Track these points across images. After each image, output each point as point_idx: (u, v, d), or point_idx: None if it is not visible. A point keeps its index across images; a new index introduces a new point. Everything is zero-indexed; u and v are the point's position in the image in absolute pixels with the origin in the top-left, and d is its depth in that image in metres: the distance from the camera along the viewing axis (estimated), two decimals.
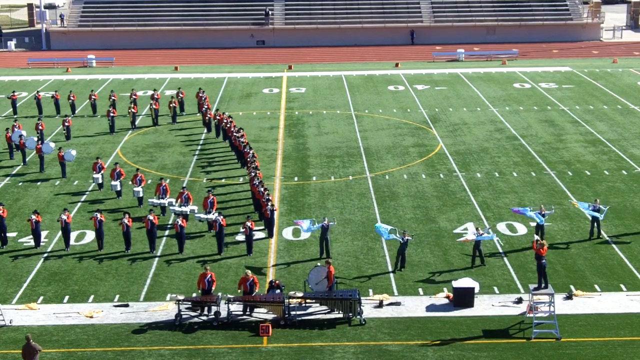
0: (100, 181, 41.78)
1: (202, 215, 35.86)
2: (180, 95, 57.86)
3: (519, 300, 29.42)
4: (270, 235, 35.58)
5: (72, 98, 57.65)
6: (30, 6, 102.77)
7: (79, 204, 40.10)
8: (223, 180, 43.33)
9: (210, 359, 26.06)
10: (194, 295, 29.84)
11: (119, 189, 40.49)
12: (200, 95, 56.38)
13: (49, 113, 57.63)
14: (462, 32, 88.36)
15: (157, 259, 33.64)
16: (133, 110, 54.30)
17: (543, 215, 34.34)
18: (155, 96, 56.56)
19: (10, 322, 28.28)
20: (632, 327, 27.74)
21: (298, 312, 28.73)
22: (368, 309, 28.92)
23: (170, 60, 79.82)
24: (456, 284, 29.34)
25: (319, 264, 31.72)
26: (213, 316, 28.39)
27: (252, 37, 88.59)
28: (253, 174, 38.73)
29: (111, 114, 52.95)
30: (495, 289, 30.56)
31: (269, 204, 35.35)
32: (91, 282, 31.55)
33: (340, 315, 28.43)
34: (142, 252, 34.25)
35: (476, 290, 29.46)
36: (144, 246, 34.62)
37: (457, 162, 46.01)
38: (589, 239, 34.95)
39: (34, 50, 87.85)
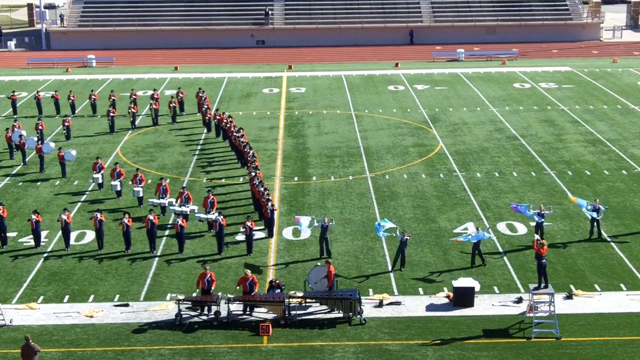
0: (100, 181, 41.79)
1: (202, 215, 35.87)
2: (180, 95, 57.86)
3: (519, 300, 29.43)
4: (270, 235, 35.59)
5: (72, 98, 57.65)
6: (30, 6, 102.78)
7: (79, 204, 40.11)
8: (223, 180, 43.33)
9: (211, 359, 26.07)
10: (194, 295, 29.85)
11: (119, 188, 40.49)
12: (200, 95, 56.39)
13: (49, 113, 57.64)
14: (462, 32, 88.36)
15: (157, 258, 33.64)
16: (133, 110, 54.31)
17: (542, 215, 34.36)
18: (155, 96, 56.56)
19: (10, 322, 28.29)
20: (632, 326, 27.75)
21: (298, 312, 28.73)
22: (368, 309, 28.93)
23: (170, 60, 79.83)
24: (456, 283, 29.34)
25: (319, 263, 31.73)
26: (213, 316, 28.40)
27: (252, 37, 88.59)
28: (253, 174, 38.74)
29: (111, 114, 52.96)
30: (495, 288, 30.57)
31: (269, 203, 35.36)
32: (91, 281, 31.56)
33: (341, 315, 28.44)
34: (142, 252, 34.25)
35: (477, 289, 29.46)
36: (144, 246, 34.63)
37: (457, 162, 46.02)
38: (589, 239, 34.96)
39: (34, 50, 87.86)
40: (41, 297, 30.33)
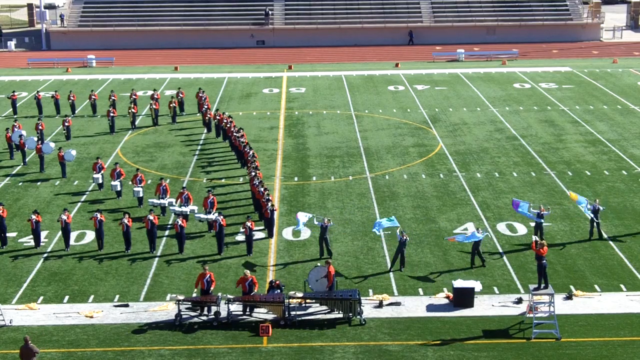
0: (100, 181, 41.79)
1: (202, 216, 35.87)
2: (180, 95, 57.86)
3: (519, 301, 29.42)
4: (270, 235, 35.58)
5: (72, 98, 57.65)
6: (30, 6, 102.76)
7: (79, 204, 40.10)
8: (223, 180, 43.33)
9: (210, 359, 26.07)
10: (194, 295, 29.83)
11: (119, 189, 40.49)
12: (200, 95, 56.38)
13: (49, 113, 57.63)
14: (462, 32, 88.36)
15: (157, 259, 33.64)
16: (133, 110, 54.30)
17: (542, 216, 34.36)
18: (155, 96, 56.56)
19: (10, 322, 28.29)
20: (632, 327, 27.75)
21: (298, 312, 28.73)
22: (368, 309, 28.93)
23: (170, 60, 79.82)
24: (457, 284, 29.34)
25: (319, 264, 31.73)
26: (213, 316, 28.40)
27: (252, 37, 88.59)
28: (253, 174, 38.74)
29: (111, 114, 52.96)
30: (495, 289, 30.56)
31: (269, 204, 35.35)
32: (91, 282, 31.55)
33: (340, 315, 28.43)
34: (142, 252, 34.25)
35: (479, 289, 29.47)
36: (144, 246, 34.63)
37: (457, 162, 46.01)
38: (589, 239, 34.96)
39: (34, 50, 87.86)
40: (41, 298, 30.33)
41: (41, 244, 34.94)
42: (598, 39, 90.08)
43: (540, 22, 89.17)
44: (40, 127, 50.03)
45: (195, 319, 28.48)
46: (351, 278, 31.64)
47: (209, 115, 52.57)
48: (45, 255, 34.12)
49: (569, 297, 29.73)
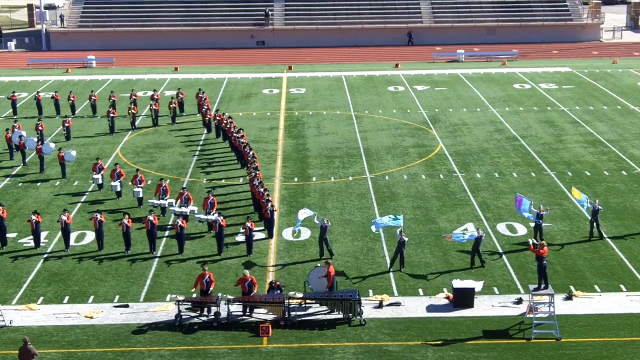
0: (100, 182, 41.79)
1: (202, 216, 35.87)
2: (180, 95, 57.86)
3: (519, 301, 29.42)
4: (270, 235, 35.58)
5: (72, 98, 57.67)
6: (30, 7, 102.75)
7: (79, 204, 40.11)
8: (223, 181, 43.34)
9: (210, 359, 26.11)
10: (194, 295, 29.83)
11: (119, 189, 40.50)
12: (200, 95, 56.38)
13: (49, 114, 57.63)
14: (462, 32, 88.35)
15: (157, 259, 33.64)
16: (133, 110, 54.30)
17: (541, 217, 34.38)
18: (155, 97, 56.57)
19: (10, 323, 28.29)
20: (632, 327, 27.75)
21: (298, 313, 28.73)
22: (368, 310, 28.92)
23: (170, 61, 79.82)
24: (457, 284, 29.33)
25: (319, 264, 31.73)
26: (213, 317, 28.39)
27: (252, 38, 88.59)
28: (253, 175, 38.74)
29: (111, 115, 52.96)
30: (495, 289, 30.57)
31: (269, 204, 35.36)
32: (91, 282, 31.55)
33: (340, 316, 28.43)
34: (142, 252, 34.25)
35: (479, 289, 29.49)
36: (144, 247, 34.63)
37: (457, 162, 46.02)
38: (589, 239, 34.96)
39: (34, 51, 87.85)
40: (41, 298, 30.33)
41: (41, 244, 34.94)
42: (598, 40, 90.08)
43: (540, 23, 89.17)
44: (40, 128, 50.03)
45: (195, 320, 28.48)
46: (351, 278, 31.64)
47: (209, 116, 52.58)
48: (45, 255, 34.12)
49: (569, 297, 29.74)
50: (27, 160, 46.59)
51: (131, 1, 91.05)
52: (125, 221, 33.95)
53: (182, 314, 28.42)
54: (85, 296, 30.40)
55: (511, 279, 31.47)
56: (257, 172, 39.15)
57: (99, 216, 34.31)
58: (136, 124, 54.54)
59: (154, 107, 54.85)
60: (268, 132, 53.22)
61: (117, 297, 30.33)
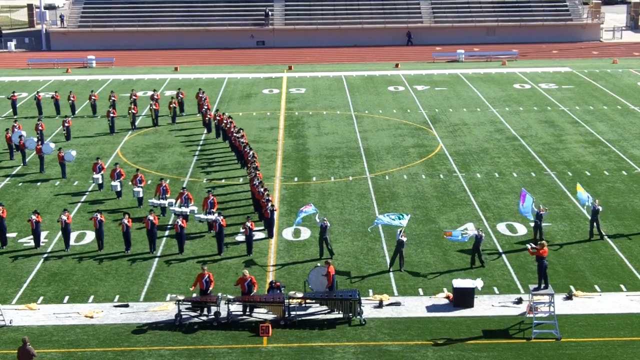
0: (100, 181, 41.79)
1: (202, 216, 35.87)
2: (180, 95, 57.86)
3: (519, 301, 29.43)
4: (270, 235, 35.59)
5: (72, 98, 57.67)
6: (30, 7, 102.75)
7: (79, 204, 40.11)
8: (223, 181, 43.34)
9: (210, 359, 26.07)
10: (194, 295, 29.83)
11: (119, 189, 40.50)
12: (200, 95, 56.39)
13: (49, 113, 57.63)
14: (462, 32, 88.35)
15: (157, 259, 33.65)
16: (133, 110, 54.31)
17: (540, 216, 34.39)
18: (155, 97, 56.57)
19: (10, 323, 28.30)
20: (632, 327, 27.76)
21: (298, 312, 28.73)
22: (368, 309, 28.93)
23: (170, 61, 79.82)
24: (457, 283, 29.33)
25: (319, 264, 31.73)
26: (213, 316, 28.39)
27: (252, 38, 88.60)
28: (253, 175, 38.75)
29: (111, 115, 52.96)
30: (495, 289, 30.57)
31: (269, 204, 35.36)
32: (91, 282, 31.56)
33: (340, 316, 28.43)
34: (142, 252, 34.26)
35: (480, 286, 29.50)
36: (144, 246, 34.63)
37: (457, 162, 46.02)
38: (589, 239, 34.96)
39: (34, 51, 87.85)
40: (41, 298, 30.33)
41: (41, 244, 34.95)
42: (598, 40, 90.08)
43: (540, 23, 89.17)
44: (40, 128, 50.04)
45: (195, 319, 28.48)
46: (351, 278, 31.63)
47: (209, 116, 52.58)
48: (45, 255, 34.12)
49: (569, 297, 29.74)
50: (27, 160, 46.59)
51: (131, 1, 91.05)
52: (125, 221, 33.96)
53: (182, 313, 28.42)
54: (85, 296, 30.40)
55: (511, 278, 31.48)
56: (257, 172, 39.16)
57: (99, 216, 34.32)
58: (136, 124, 54.54)
59: (154, 107, 54.86)
60: (268, 132, 53.23)
61: (117, 296, 30.33)
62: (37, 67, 78.23)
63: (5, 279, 31.93)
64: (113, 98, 56.95)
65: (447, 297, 29.82)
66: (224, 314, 28.47)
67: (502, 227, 36.49)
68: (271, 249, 34.54)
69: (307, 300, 28.93)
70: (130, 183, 41.20)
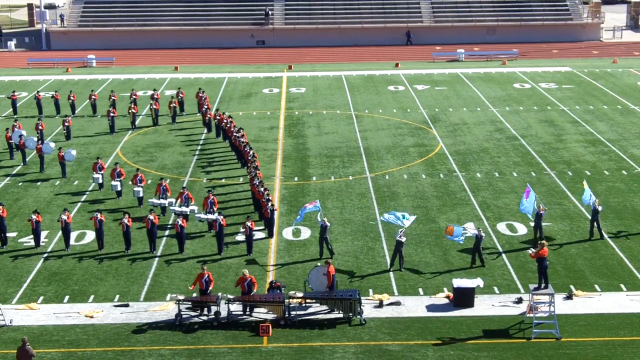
0: (100, 181, 41.80)
1: (202, 216, 35.86)
2: (180, 95, 57.86)
3: (519, 300, 29.43)
4: (270, 235, 35.59)
5: (72, 98, 57.66)
6: (30, 6, 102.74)
7: (79, 204, 40.11)
8: (223, 180, 43.34)
9: (211, 359, 26.07)
10: (194, 295, 29.83)
11: (119, 189, 40.49)
12: (200, 95, 56.38)
13: (49, 113, 57.63)
14: (462, 32, 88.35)
15: (157, 259, 33.65)
16: (133, 110, 54.30)
17: (540, 216, 34.38)
18: (155, 96, 56.57)
19: (10, 322, 28.30)
20: (632, 327, 27.75)
21: (298, 312, 28.73)
22: (368, 309, 28.93)
23: (170, 60, 79.82)
24: (457, 283, 29.33)
25: (319, 264, 31.73)
26: (213, 316, 28.40)
27: (252, 37, 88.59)
28: (253, 174, 38.75)
29: (111, 114, 52.97)
30: (495, 289, 30.57)
31: (269, 204, 35.36)
32: (91, 282, 31.56)
33: (341, 315, 28.44)
34: (142, 252, 34.26)
35: (481, 285, 29.51)
36: (144, 246, 34.63)
37: (457, 162, 46.02)
38: (589, 239, 34.96)
39: (34, 50, 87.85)
40: (41, 298, 30.33)
41: (41, 244, 34.95)
42: (598, 39, 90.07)
43: (540, 22, 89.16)
44: (40, 127, 50.03)
45: (195, 319, 28.48)
46: (353, 277, 31.63)
47: (209, 115, 52.58)
48: (45, 255, 34.12)
49: (569, 297, 29.74)
50: (27, 159, 46.57)
51: (131, 1, 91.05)
52: (126, 221, 33.95)
53: (182, 313, 28.42)
54: (85, 295, 30.40)
55: (511, 278, 31.48)
56: (257, 172, 39.16)
57: (99, 216, 34.31)
58: (136, 123, 54.54)
59: (154, 106, 54.86)
60: (268, 132, 53.22)
61: (117, 296, 30.33)
62: (37, 67, 78.23)
63: (5, 279, 31.93)
64: (113, 97, 56.96)
65: (447, 297, 29.82)
66: (224, 313, 28.47)
67: (502, 227, 36.50)
68: (271, 248, 34.54)
69: (307, 300, 28.93)
70: (130, 183, 41.20)
